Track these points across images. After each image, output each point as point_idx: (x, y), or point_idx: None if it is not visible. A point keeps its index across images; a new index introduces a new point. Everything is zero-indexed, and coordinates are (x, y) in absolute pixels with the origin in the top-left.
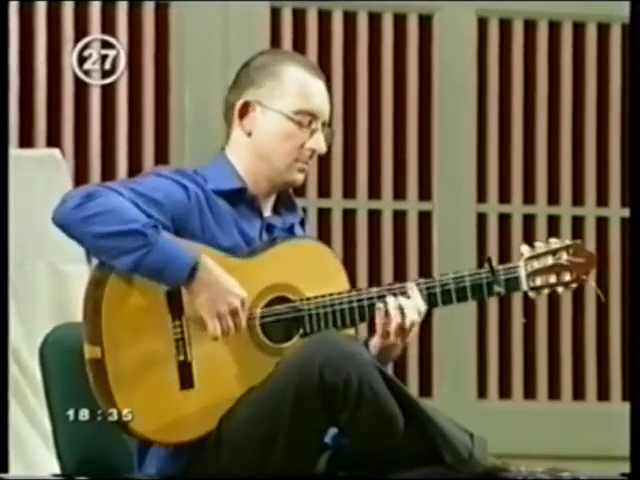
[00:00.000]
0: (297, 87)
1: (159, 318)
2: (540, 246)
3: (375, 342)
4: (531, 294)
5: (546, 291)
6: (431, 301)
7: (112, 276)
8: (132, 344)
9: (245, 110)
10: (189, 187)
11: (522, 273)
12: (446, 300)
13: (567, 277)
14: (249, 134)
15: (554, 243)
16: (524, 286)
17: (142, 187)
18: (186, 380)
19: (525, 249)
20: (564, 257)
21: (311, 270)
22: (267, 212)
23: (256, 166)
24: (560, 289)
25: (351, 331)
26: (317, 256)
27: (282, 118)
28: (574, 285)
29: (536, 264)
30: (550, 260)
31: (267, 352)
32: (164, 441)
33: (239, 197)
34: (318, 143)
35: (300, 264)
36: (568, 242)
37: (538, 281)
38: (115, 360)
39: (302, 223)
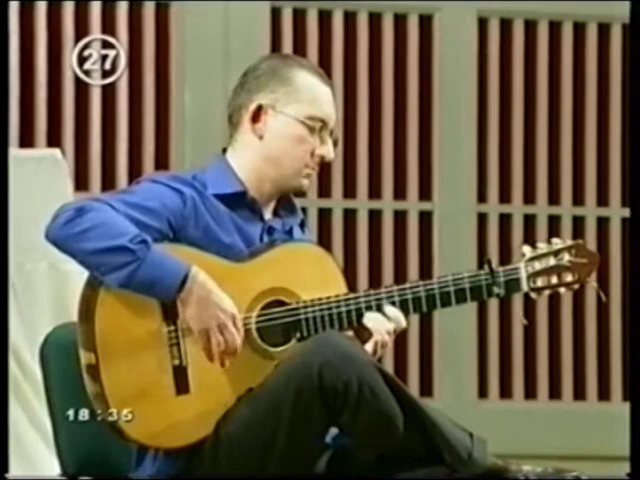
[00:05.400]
0: (309, 93)
1: (153, 323)
2: (542, 247)
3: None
4: (532, 295)
5: (547, 292)
6: (429, 303)
7: None
8: (126, 350)
9: (258, 114)
10: (185, 192)
11: (522, 274)
12: (445, 302)
13: (569, 278)
14: (261, 137)
15: (556, 244)
16: (524, 287)
17: (135, 197)
18: (182, 385)
19: (527, 249)
20: (566, 258)
21: (309, 274)
22: (268, 215)
23: (262, 169)
24: (562, 290)
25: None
26: (315, 260)
27: (296, 123)
28: (576, 286)
29: (537, 265)
30: (552, 261)
31: (264, 356)
32: (160, 446)
33: (239, 201)
34: (328, 150)
35: (298, 268)
36: (570, 242)
37: (539, 282)
38: (109, 365)
39: (302, 225)
